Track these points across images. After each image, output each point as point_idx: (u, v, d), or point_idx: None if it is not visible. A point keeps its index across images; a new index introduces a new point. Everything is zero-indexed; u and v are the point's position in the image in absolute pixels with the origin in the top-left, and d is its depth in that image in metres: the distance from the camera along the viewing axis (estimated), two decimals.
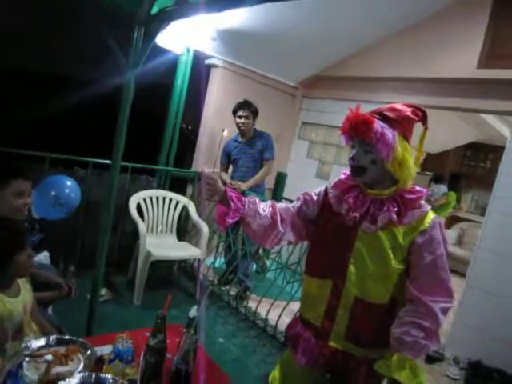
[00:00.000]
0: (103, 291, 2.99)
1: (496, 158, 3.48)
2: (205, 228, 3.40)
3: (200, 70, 3.81)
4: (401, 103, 1.30)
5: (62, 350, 1.22)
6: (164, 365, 1.17)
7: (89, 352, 1.22)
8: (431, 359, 3.07)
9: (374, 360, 1.27)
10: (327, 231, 1.38)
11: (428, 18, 3.61)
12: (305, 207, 1.45)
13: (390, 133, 1.22)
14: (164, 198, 3.56)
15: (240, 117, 3.49)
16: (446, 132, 6.10)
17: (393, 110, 1.27)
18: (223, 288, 3.51)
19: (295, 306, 2.85)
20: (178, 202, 3.61)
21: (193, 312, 1.10)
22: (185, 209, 3.65)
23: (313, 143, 4.64)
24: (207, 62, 3.83)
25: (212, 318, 3.14)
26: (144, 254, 3.06)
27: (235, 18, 3.21)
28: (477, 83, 3.25)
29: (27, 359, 1.13)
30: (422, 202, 1.29)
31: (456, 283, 5.30)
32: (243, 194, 3.31)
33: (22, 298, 1.42)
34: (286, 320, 2.90)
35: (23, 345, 1.17)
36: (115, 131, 1.99)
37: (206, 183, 1.37)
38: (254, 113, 3.55)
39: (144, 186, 3.61)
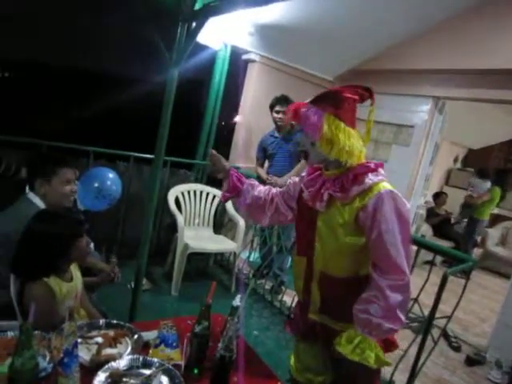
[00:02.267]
0: (143, 281, 3.09)
1: None
2: (241, 222, 3.43)
3: (237, 65, 3.84)
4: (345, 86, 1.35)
5: (110, 333, 1.28)
6: (207, 351, 1.20)
7: (136, 336, 1.27)
8: (472, 362, 2.98)
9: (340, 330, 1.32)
10: (300, 213, 1.51)
11: (471, 10, 3.46)
12: (288, 191, 1.57)
13: (314, 114, 1.29)
14: (201, 192, 3.62)
15: (278, 112, 3.48)
16: (488, 127, 5.85)
17: (327, 92, 1.34)
18: (258, 281, 3.54)
19: None
20: (214, 196, 3.67)
21: (236, 301, 1.13)
22: (221, 203, 3.70)
23: None
24: (244, 57, 3.85)
25: (247, 310, 3.17)
26: (182, 246, 3.14)
27: (273, 12, 3.20)
28: None
29: (80, 340, 1.19)
30: (369, 177, 1.28)
31: (498, 285, 5.12)
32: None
33: (74, 284, 1.50)
34: None
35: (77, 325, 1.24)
36: (158, 126, 2.05)
37: (211, 161, 1.60)
38: None
39: (182, 180, 3.70)
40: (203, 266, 3.80)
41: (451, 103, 4.08)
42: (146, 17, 1.77)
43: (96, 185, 2.72)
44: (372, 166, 1.31)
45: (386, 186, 1.26)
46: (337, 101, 1.29)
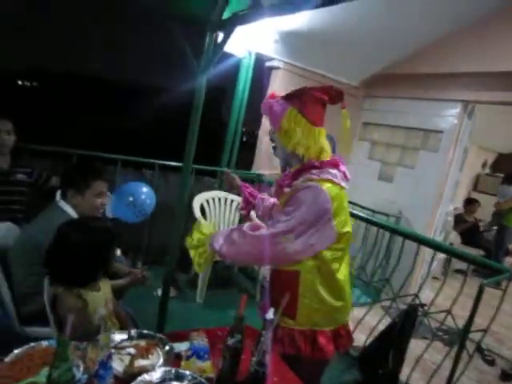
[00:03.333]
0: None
1: None
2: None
3: (260, 72, 3.84)
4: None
5: (142, 343, 1.28)
6: (240, 365, 1.17)
7: (167, 347, 1.26)
8: (507, 376, 2.86)
9: (281, 327, 1.42)
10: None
11: (499, 10, 3.36)
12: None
13: (279, 106, 1.39)
14: (225, 199, 3.62)
15: None
16: None
17: (299, 89, 1.42)
18: None
19: (358, 312, 2.78)
20: (238, 203, 3.66)
21: (270, 315, 1.10)
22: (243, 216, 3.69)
23: (375, 144, 4.50)
24: (268, 64, 3.85)
25: None
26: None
27: (297, 19, 3.19)
28: None
29: (112, 351, 1.19)
30: (311, 172, 1.36)
31: None
32: None
33: (103, 292, 1.51)
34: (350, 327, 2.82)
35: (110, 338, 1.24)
36: (184, 134, 2.06)
37: (226, 180, 1.81)
38: None
39: (206, 187, 3.71)
40: (227, 274, 3.79)
41: (480, 107, 3.96)
42: (175, 27, 1.78)
43: (130, 199, 2.75)
44: (317, 164, 1.37)
45: (321, 183, 1.32)
46: (304, 98, 1.38)
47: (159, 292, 3.05)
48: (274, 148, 1.50)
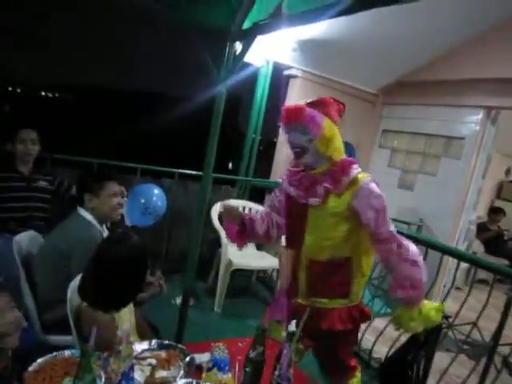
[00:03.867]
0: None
1: None
2: (283, 238, 3.38)
3: (278, 81, 3.84)
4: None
5: (163, 354, 1.27)
6: (262, 378, 1.15)
7: (188, 359, 1.25)
8: None
9: (338, 309, 1.57)
10: (289, 211, 1.65)
11: None
12: (274, 202, 1.80)
13: (317, 115, 1.50)
14: (244, 208, 3.61)
15: None
16: None
17: (321, 98, 1.56)
18: None
19: (379, 323, 2.72)
20: (257, 212, 3.64)
21: (292, 326, 1.08)
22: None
23: (395, 151, 4.43)
24: (286, 72, 3.85)
25: None
26: (226, 262, 3.13)
27: (315, 27, 3.18)
28: None
29: (133, 361, 1.18)
30: (352, 169, 1.50)
31: None
32: None
33: (128, 307, 1.50)
34: (370, 338, 2.77)
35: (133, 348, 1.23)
36: (203, 143, 2.07)
37: (225, 211, 1.76)
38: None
39: (224, 196, 3.71)
40: (245, 283, 3.77)
41: (504, 113, 3.86)
42: (196, 37, 1.80)
43: (142, 201, 2.78)
44: (353, 160, 1.55)
45: (365, 175, 1.50)
46: (330, 106, 1.55)
47: (178, 300, 3.07)
48: (302, 154, 1.54)
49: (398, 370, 2.44)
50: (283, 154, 3.95)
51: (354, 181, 1.47)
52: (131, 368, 1.02)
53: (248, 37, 1.72)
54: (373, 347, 2.74)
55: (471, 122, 3.79)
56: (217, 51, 1.80)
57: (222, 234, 3.22)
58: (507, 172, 7.22)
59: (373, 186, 1.48)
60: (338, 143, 1.54)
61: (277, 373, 1.06)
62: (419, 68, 4.06)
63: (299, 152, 1.54)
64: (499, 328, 1.94)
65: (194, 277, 2.66)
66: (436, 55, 3.89)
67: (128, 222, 2.74)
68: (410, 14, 3.19)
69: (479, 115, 3.72)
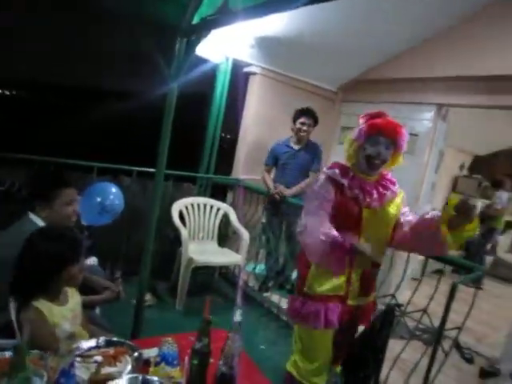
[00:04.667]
0: (147, 296, 3.06)
1: None
2: (245, 234, 3.41)
3: (238, 78, 3.85)
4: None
5: (110, 351, 1.26)
6: (208, 369, 1.16)
7: (136, 354, 1.24)
8: (485, 374, 2.90)
9: (370, 304, 1.85)
10: (339, 213, 1.66)
11: (473, 15, 3.45)
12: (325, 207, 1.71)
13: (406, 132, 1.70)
14: (205, 205, 3.61)
15: (303, 123, 3.46)
16: (494, 133, 5.79)
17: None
18: (264, 294, 3.49)
19: None
20: (218, 209, 3.65)
21: (237, 316, 1.10)
22: (225, 215, 3.69)
23: None
24: (246, 69, 3.87)
25: (253, 324, 3.13)
26: (186, 260, 3.11)
27: (273, 24, 3.22)
28: None
29: (78, 359, 1.17)
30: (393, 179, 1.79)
31: (510, 292, 5.01)
32: (285, 199, 3.31)
33: (69, 307, 1.46)
34: None
35: (74, 345, 1.21)
36: (159, 140, 2.05)
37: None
38: (316, 121, 3.55)
39: (185, 193, 3.69)
40: (208, 280, 3.76)
41: (455, 110, 4.05)
42: (146, 32, 1.78)
43: (98, 199, 2.72)
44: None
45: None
46: None
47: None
48: (380, 165, 1.68)
49: (356, 360, 2.52)
50: (244, 150, 3.98)
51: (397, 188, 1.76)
52: (71, 365, 1.00)
53: (198, 32, 1.72)
54: None
55: (424, 118, 3.95)
56: (167, 47, 1.79)
57: (183, 231, 3.21)
58: (461, 167, 7.58)
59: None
60: None
61: (221, 362, 1.08)
62: (375, 67, 4.19)
63: (379, 164, 1.67)
64: (444, 313, 2.05)
65: (155, 276, 2.64)
66: (392, 55, 4.03)
67: (84, 222, 2.67)
68: (367, 15, 3.29)
69: (431, 112, 3.89)
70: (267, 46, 3.53)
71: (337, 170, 1.70)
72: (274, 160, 3.60)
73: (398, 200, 1.74)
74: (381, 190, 1.69)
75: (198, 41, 1.74)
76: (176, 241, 3.41)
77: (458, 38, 3.57)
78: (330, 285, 1.70)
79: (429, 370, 2.10)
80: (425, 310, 2.37)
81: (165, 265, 3.59)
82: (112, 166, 3.21)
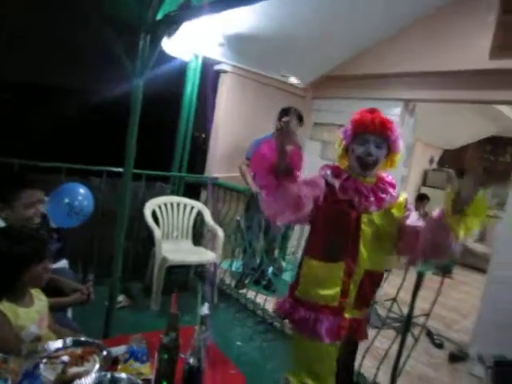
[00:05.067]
0: (121, 297, 3.03)
1: None
2: (220, 232, 3.41)
3: (209, 76, 3.84)
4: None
5: (78, 351, 1.24)
6: (177, 363, 1.17)
7: (104, 353, 1.23)
8: (455, 358, 3.01)
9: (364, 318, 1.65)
10: (331, 217, 1.52)
11: (438, 11, 3.56)
12: (315, 190, 1.54)
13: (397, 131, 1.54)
14: (178, 204, 3.59)
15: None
16: (461, 127, 5.99)
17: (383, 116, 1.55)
18: (240, 291, 3.51)
19: None
20: (192, 208, 3.64)
21: (204, 310, 1.11)
22: (199, 214, 3.67)
23: (326, 143, 4.62)
24: (216, 67, 3.86)
25: (229, 321, 3.14)
26: (160, 259, 3.09)
27: (242, 22, 3.23)
28: (490, 74, 3.18)
29: (44, 360, 1.15)
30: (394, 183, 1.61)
31: (479, 281, 5.20)
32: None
33: (35, 309, 1.43)
34: None
35: (40, 347, 1.19)
36: (126, 139, 2.02)
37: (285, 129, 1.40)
38: (301, 121, 3.64)
39: (158, 192, 3.66)
40: (184, 279, 3.74)
41: (422, 105, 4.16)
42: (108, 29, 1.76)
43: (66, 201, 2.66)
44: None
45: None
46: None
47: None
48: (374, 166, 1.53)
49: None
50: (216, 148, 3.97)
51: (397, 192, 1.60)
52: (36, 367, 0.98)
53: (162, 28, 1.71)
54: None
55: (392, 114, 4.03)
56: (130, 43, 1.77)
57: (156, 231, 3.18)
58: (431, 161, 7.80)
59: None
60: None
61: (188, 355, 1.09)
62: (345, 64, 4.26)
63: (371, 164, 1.51)
64: (412, 301, 2.12)
65: (124, 277, 2.61)
66: (360, 51, 4.10)
67: (53, 224, 2.62)
68: (335, 12, 3.34)
69: (399, 108, 3.99)
70: (237, 43, 3.53)
71: (328, 171, 1.59)
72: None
73: (399, 203, 1.57)
74: (379, 193, 1.52)
75: (161, 37, 1.74)
76: (150, 241, 3.38)
77: (422, 34, 3.67)
78: (323, 293, 1.54)
79: (399, 356, 2.17)
80: (394, 299, 2.44)
81: (139, 265, 3.55)
82: (81, 166, 3.14)
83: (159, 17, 1.74)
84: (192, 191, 3.97)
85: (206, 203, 3.85)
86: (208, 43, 3.45)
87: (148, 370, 1.19)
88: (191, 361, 1.07)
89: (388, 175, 1.62)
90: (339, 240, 1.51)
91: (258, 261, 3.69)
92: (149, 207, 3.36)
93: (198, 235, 3.81)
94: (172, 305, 1.15)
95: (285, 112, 3.50)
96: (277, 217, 1.45)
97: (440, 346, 3.16)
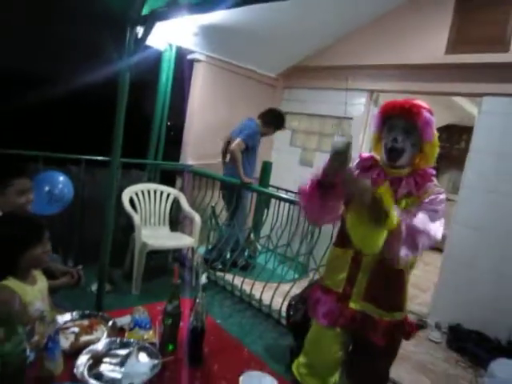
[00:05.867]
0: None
1: (469, 139, 3.76)
2: (197, 217, 3.53)
3: (183, 65, 3.91)
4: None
5: (85, 322, 1.36)
6: (179, 328, 1.32)
7: (111, 322, 1.36)
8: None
9: (390, 322, 1.46)
10: (346, 205, 1.50)
11: (398, 9, 3.80)
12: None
13: (432, 118, 1.42)
14: (155, 191, 3.67)
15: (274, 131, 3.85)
16: None
17: (424, 103, 1.44)
18: (218, 274, 3.67)
19: (286, 286, 3.06)
20: (168, 194, 3.73)
21: (203, 279, 1.26)
22: (176, 200, 3.78)
23: (295, 132, 4.81)
24: (190, 56, 3.93)
25: (209, 302, 3.29)
26: (140, 245, 3.19)
27: (216, 13, 3.31)
28: (445, 68, 3.46)
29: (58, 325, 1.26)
30: (433, 180, 1.46)
31: (437, 259, 5.61)
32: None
33: (38, 288, 1.53)
34: (278, 300, 3.09)
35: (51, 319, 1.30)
36: (113, 129, 2.10)
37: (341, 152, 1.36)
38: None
39: (135, 180, 3.72)
40: (162, 264, 3.85)
41: (386, 95, 4.42)
42: (96, 22, 1.83)
43: (47, 188, 2.71)
44: (434, 173, 1.49)
45: (440, 187, 1.45)
46: (432, 116, 1.43)
47: (93, 288, 3.07)
48: (399, 155, 1.42)
49: (302, 323, 2.78)
50: (190, 136, 4.07)
51: (433, 188, 1.42)
52: (56, 332, 1.10)
53: (147, 23, 1.81)
54: (281, 307, 3.05)
55: (358, 103, 4.28)
56: (117, 36, 1.85)
57: (135, 217, 3.27)
58: None
59: (443, 197, 1.42)
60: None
61: (192, 318, 1.24)
62: (314, 55, 4.44)
63: (397, 152, 1.42)
64: None
65: (110, 263, 2.69)
66: (328, 43, 4.30)
67: (33, 211, 2.65)
68: (307, 5, 3.49)
69: (364, 98, 4.23)
70: (210, 33, 3.62)
71: (355, 162, 1.57)
72: (252, 142, 3.68)
73: (415, 198, 1.42)
74: (403, 185, 1.43)
75: (148, 31, 1.83)
76: (128, 228, 3.46)
77: (384, 30, 3.92)
78: (332, 278, 1.56)
79: None
80: None
81: (118, 252, 3.60)
82: (59, 155, 3.16)
83: (145, 12, 1.84)
84: (167, 178, 4.06)
85: (181, 190, 3.96)
86: (182, 33, 3.52)
87: (152, 335, 1.33)
88: (195, 323, 1.22)
89: (427, 168, 1.47)
90: (351, 227, 1.43)
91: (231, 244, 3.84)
92: (126, 194, 3.43)
93: (175, 221, 3.92)
94: (174, 276, 1.29)
95: (279, 116, 3.82)
96: (317, 221, 1.59)
97: None
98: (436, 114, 1.48)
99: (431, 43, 3.55)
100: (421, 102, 1.44)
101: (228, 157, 3.77)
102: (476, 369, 2.82)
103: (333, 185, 1.40)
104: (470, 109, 4.90)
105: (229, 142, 3.77)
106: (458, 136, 7.06)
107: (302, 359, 1.64)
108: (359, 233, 1.36)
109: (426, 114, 1.40)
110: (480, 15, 3.29)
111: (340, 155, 1.33)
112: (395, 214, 1.29)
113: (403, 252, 1.30)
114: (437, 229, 1.36)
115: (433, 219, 1.35)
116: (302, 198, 1.52)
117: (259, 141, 3.78)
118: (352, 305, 1.50)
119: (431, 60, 3.55)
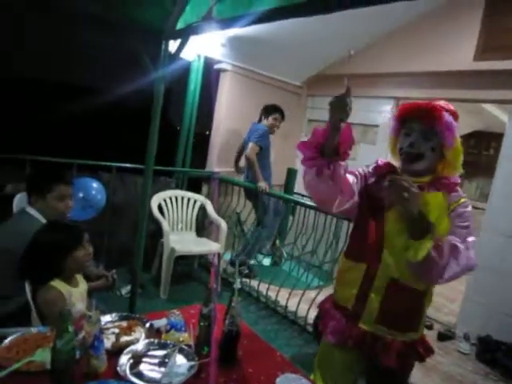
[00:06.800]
0: (129, 287, 3.19)
1: (498, 146, 3.68)
2: (223, 224, 3.59)
3: (210, 75, 4.01)
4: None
5: (124, 324, 1.43)
6: (214, 330, 1.36)
7: (148, 324, 1.42)
8: (443, 337, 3.25)
9: (403, 343, 1.35)
10: (362, 214, 1.42)
11: (426, 16, 3.79)
12: (356, 180, 1.47)
13: (453, 122, 1.30)
14: (182, 198, 3.76)
15: (276, 119, 3.82)
16: None
17: (447, 105, 1.33)
18: (244, 280, 3.70)
19: (312, 293, 3.07)
20: (195, 201, 3.81)
21: (237, 284, 1.30)
22: (202, 207, 3.85)
23: None
24: (217, 66, 4.03)
25: None
26: (168, 250, 3.27)
27: None
28: (474, 75, 3.43)
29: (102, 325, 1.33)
30: (458, 189, 1.35)
31: None
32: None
33: (80, 290, 1.62)
34: (304, 307, 3.10)
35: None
36: (148, 138, 2.18)
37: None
38: (283, 118, 3.93)
39: (163, 187, 3.82)
40: (188, 269, 3.93)
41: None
42: (133, 37, 1.92)
43: (81, 195, 2.82)
44: (458, 179, 1.36)
45: (466, 199, 1.33)
46: (456, 116, 1.33)
47: (123, 291, 3.16)
48: (417, 160, 1.33)
49: None
50: (217, 144, 4.15)
51: (459, 199, 1.30)
52: (101, 331, 1.17)
53: (182, 36, 1.88)
54: (307, 314, 3.06)
55: (384, 111, 4.28)
56: (153, 50, 1.94)
57: (164, 223, 3.35)
58: None
59: (470, 209, 1.31)
60: (461, 157, 1.33)
61: (227, 321, 1.28)
62: (338, 62, 4.46)
63: (415, 157, 1.32)
64: None
65: (130, 267, 2.77)
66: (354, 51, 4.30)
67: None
68: (330, 16, 3.52)
69: (390, 105, 4.22)
70: (237, 44, 3.70)
71: (371, 166, 1.50)
72: (265, 141, 3.78)
73: (442, 207, 1.28)
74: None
75: (183, 44, 1.90)
76: (155, 233, 3.55)
77: (412, 37, 3.90)
78: (341, 291, 1.47)
79: None
80: None
81: (146, 257, 3.70)
82: (92, 162, 3.29)
83: (180, 26, 1.91)
84: (193, 185, 4.15)
85: (207, 196, 4.03)
86: (211, 44, 3.61)
87: (187, 338, 1.38)
88: (230, 326, 1.26)
89: (452, 176, 1.34)
90: (363, 239, 1.39)
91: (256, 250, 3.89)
92: (155, 201, 3.52)
93: (201, 227, 3.99)
94: (210, 281, 1.34)
95: (274, 109, 3.80)
96: (324, 202, 1.43)
97: (430, 327, 3.41)
98: (463, 120, 1.42)
99: (459, 50, 3.52)
100: (444, 103, 1.33)
101: (244, 163, 3.86)
102: (508, 382, 2.75)
103: (336, 151, 1.32)
104: (500, 115, 4.81)
105: (241, 151, 3.93)
106: (486, 143, 6.92)
107: (312, 377, 1.52)
108: (401, 243, 1.23)
109: (447, 118, 1.28)
110: (510, 21, 3.25)
111: (339, 99, 1.27)
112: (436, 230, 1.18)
113: (452, 270, 1.20)
114: (472, 245, 1.25)
115: (467, 235, 1.26)
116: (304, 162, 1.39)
117: (269, 141, 3.84)
118: (362, 325, 1.38)
119: (459, 67, 3.52)
